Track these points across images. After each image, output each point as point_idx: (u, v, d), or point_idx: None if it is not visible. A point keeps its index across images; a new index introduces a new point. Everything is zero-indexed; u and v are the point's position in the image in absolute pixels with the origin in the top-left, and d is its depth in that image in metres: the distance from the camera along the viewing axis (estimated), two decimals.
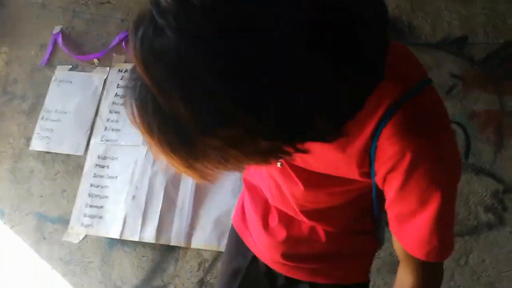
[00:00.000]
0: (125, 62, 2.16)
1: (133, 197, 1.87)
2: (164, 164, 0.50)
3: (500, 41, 1.81)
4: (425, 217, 0.61)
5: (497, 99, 1.74)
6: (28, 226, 1.99)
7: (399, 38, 1.90)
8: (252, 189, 0.98)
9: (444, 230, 0.63)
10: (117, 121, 2.04)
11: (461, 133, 1.72)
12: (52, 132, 2.11)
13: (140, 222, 1.83)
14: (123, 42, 2.18)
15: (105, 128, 2.03)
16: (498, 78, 1.76)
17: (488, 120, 1.72)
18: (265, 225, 0.93)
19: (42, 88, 2.23)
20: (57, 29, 2.32)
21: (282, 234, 0.89)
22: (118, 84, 2.12)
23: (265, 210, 0.94)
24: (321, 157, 0.66)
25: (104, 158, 1.99)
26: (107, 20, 2.29)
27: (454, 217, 0.65)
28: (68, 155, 2.05)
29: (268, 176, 0.85)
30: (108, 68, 2.18)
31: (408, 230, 0.65)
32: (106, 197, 1.92)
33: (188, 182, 1.84)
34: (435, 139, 0.57)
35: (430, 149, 0.57)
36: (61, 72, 2.23)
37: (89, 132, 2.07)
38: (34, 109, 2.19)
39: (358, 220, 0.85)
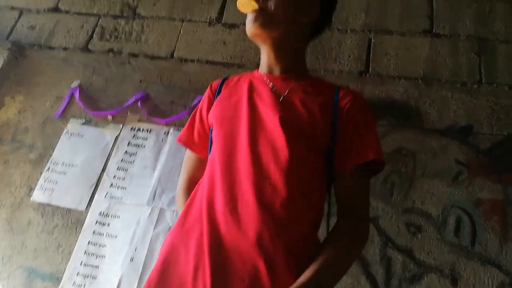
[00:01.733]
0: (138, 121, 2.21)
1: (131, 259, 1.82)
2: None
3: (503, 133, 1.88)
4: (370, 130, 1.05)
5: (501, 189, 1.77)
6: (17, 281, 1.90)
7: (407, 122, 1.97)
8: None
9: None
10: (123, 179, 2.03)
11: (468, 220, 1.73)
12: (56, 184, 2.09)
13: (135, 286, 1.75)
14: (139, 102, 2.25)
15: (111, 185, 2.03)
16: (502, 169, 1.80)
17: (493, 209, 1.73)
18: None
19: (52, 139, 2.24)
20: (75, 83, 2.40)
21: None
22: (129, 142, 2.14)
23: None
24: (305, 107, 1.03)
25: (106, 215, 1.96)
26: (126, 80, 2.38)
27: None
28: (69, 209, 2.02)
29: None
30: (121, 125, 2.22)
31: (364, 142, 1.01)
32: (103, 256, 1.86)
33: None
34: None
35: (361, 97, 1.12)
36: (73, 125, 2.27)
37: (93, 187, 2.06)
38: (41, 160, 2.19)
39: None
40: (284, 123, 0.97)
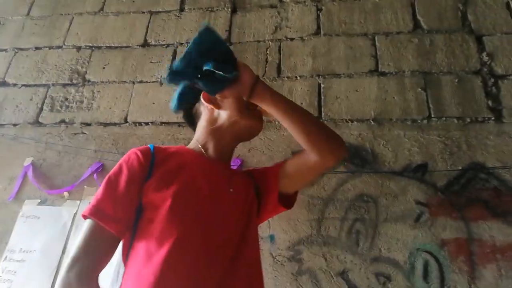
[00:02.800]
0: None
1: None
2: None
3: (458, 167, 1.90)
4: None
5: (464, 226, 1.78)
6: None
7: (365, 165, 1.98)
8: None
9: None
10: None
11: (434, 263, 1.72)
12: (15, 274, 1.99)
13: None
14: (95, 174, 2.19)
15: None
16: (462, 205, 1.82)
17: (458, 249, 1.73)
18: None
19: (7, 225, 2.15)
20: (28, 161, 2.32)
21: None
22: None
23: None
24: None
25: None
26: (80, 151, 2.32)
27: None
28: None
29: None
30: (79, 201, 2.15)
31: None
32: None
33: None
34: None
35: None
36: (28, 207, 2.18)
37: (55, 272, 1.97)
38: None
39: None
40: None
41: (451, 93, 2.09)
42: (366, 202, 1.88)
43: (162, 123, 2.33)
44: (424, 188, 1.88)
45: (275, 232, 1.90)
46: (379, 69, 2.21)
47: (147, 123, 2.35)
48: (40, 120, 2.48)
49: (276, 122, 2.17)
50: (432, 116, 2.05)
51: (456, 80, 2.12)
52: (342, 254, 1.79)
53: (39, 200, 2.20)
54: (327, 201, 1.92)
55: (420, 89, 2.12)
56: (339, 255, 1.79)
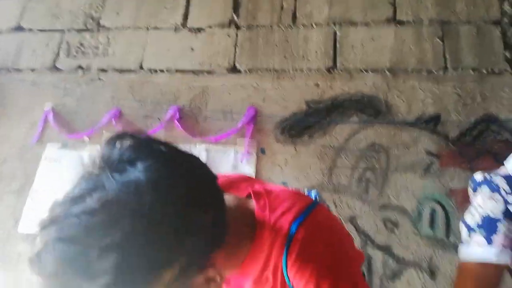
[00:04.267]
0: None
1: None
2: None
3: (471, 119, 1.92)
4: None
5: (472, 176, 1.81)
6: None
7: (378, 115, 2.00)
8: None
9: None
10: None
11: (441, 211, 1.79)
12: (41, 213, 2.11)
13: None
14: (113, 120, 2.25)
15: None
16: (471, 156, 1.85)
17: (465, 198, 1.77)
18: None
19: (32, 167, 2.26)
20: (47, 106, 2.38)
21: None
22: None
23: None
24: None
25: None
26: (97, 98, 2.37)
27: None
28: None
29: None
30: (99, 146, 2.23)
31: None
32: None
33: None
34: (332, 255, 0.69)
35: (332, 265, 0.68)
36: (51, 150, 2.27)
37: None
38: (23, 189, 2.21)
39: None
40: None
41: (468, 44, 2.06)
42: (377, 152, 1.92)
43: (177, 70, 2.35)
44: (436, 139, 1.91)
45: (288, 180, 1.97)
46: (397, 18, 2.17)
47: (162, 70, 2.37)
48: (57, 65, 2.51)
49: (291, 72, 2.17)
50: (448, 67, 2.03)
51: (475, 31, 2.07)
52: (351, 201, 1.86)
53: (61, 144, 2.28)
54: (338, 151, 1.96)
55: (437, 39, 2.09)
56: (349, 202, 1.87)
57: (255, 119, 2.11)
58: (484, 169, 1.79)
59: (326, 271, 0.68)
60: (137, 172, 0.53)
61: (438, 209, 1.79)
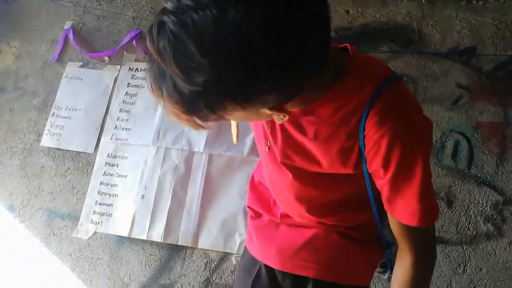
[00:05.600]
0: (135, 61, 2.19)
1: (142, 196, 1.92)
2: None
3: (508, 53, 1.82)
4: (412, 190, 0.71)
5: (502, 111, 1.76)
6: (38, 221, 2.04)
7: (409, 45, 1.92)
8: (258, 193, 1.07)
9: (428, 197, 0.73)
10: (127, 120, 2.07)
11: (465, 144, 1.75)
12: (63, 129, 2.14)
13: (148, 221, 1.87)
14: (134, 41, 2.20)
15: (115, 127, 2.07)
16: (504, 91, 1.78)
17: (492, 132, 1.74)
18: (277, 225, 1.01)
19: (53, 84, 2.26)
20: (68, 24, 2.34)
21: (293, 231, 0.97)
22: (128, 83, 2.14)
23: (273, 211, 1.03)
24: (314, 157, 0.79)
25: (114, 156, 2.03)
26: (118, 17, 2.31)
27: (432, 184, 0.75)
28: (78, 152, 2.09)
29: (269, 181, 0.96)
30: (119, 66, 2.20)
31: (399, 204, 0.75)
32: (116, 195, 1.96)
33: (196, 183, 1.89)
34: (411, 121, 0.69)
35: (408, 130, 0.68)
36: (71, 68, 2.26)
37: (99, 130, 2.10)
38: (44, 105, 2.22)
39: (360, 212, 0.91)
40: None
41: None
42: (406, 82, 1.86)
43: None
44: (468, 72, 1.83)
45: None
46: None
47: None
48: None
49: None
50: None
51: None
52: None
53: (81, 63, 2.26)
54: None
55: None
56: None
57: None
58: None
59: (404, 135, 0.68)
60: None
61: (463, 141, 1.75)
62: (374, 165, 0.73)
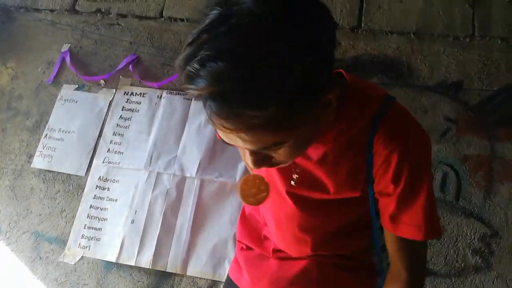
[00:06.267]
0: (131, 85, 2.21)
1: (132, 221, 1.91)
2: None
3: (493, 88, 1.89)
4: (420, 203, 0.74)
5: (488, 144, 1.81)
6: (25, 244, 2.01)
7: (399, 78, 1.97)
8: (249, 227, 1.07)
9: (433, 211, 0.76)
10: (120, 144, 2.07)
11: (453, 176, 1.78)
12: (55, 151, 2.14)
13: (137, 247, 1.86)
14: (130, 66, 2.23)
15: (108, 150, 2.07)
16: (490, 124, 1.83)
17: (479, 165, 1.78)
18: (268, 258, 1.01)
19: (47, 106, 2.26)
20: (65, 47, 2.37)
21: (285, 263, 0.97)
22: (123, 107, 2.16)
23: (264, 245, 1.03)
24: (321, 183, 0.80)
25: (105, 180, 2.02)
26: (116, 42, 2.35)
27: (435, 199, 0.78)
28: (69, 175, 2.08)
29: (271, 217, 0.95)
30: (114, 90, 2.23)
31: (404, 219, 0.76)
32: (105, 219, 1.95)
33: (187, 209, 1.88)
34: (418, 136, 0.73)
35: (416, 145, 0.72)
36: (67, 91, 2.28)
37: (91, 153, 2.10)
38: (37, 127, 2.23)
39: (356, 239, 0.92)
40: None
41: (499, 13, 2.00)
42: None
43: (197, 21, 2.31)
44: (456, 106, 1.88)
45: None
46: None
47: (182, 19, 2.33)
48: (77, 8, 2.48)
49: None
50: (476, 35, 1.98)
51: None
52: None
53: (77, 86, 2.28)
54: None
55: (467, 6, 2.03)
56: None
57: None
58: (502, 138, 1.79)
59: (413, 150, 0.72)
60: None
61: (451, 173, 1.78)
62: (382, 183, 0.75)
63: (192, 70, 0.52)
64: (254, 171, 0.91)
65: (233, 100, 0.53)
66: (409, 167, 0.71)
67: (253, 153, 0.65)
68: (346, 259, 0.95)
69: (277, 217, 0.94)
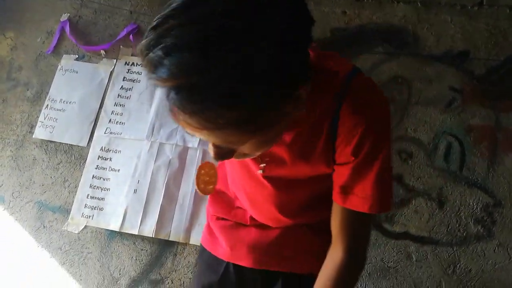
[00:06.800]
0: (132, 55, 2.18)
1: (135, 190, 1.91)
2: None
3: (500, 58, 1.85)
4: (371, 174, 0.73)
5: (493, 115, 1.79)
6: (29, 214, 2.02)
7: (404, 48, 1.94)
8: (220, 199, 1.07)
9: (384, 185, 0.74)
10: (121, 114, 2.06)
11: (458, 146, 1.77)
12: (56, 121, 2.13)
13: (140, 216, 1.87)
14: (131, 35, 2.20)
15: (109, 121, 2.06)
16: (496, 95, 1.81)
17: (483, 135, 1.77)
18: (245, 226, 1.02)
19: (47, 76, 2.24)
20: (64, 17, 2.33)
21: (263, 230, 0.99)
22: (124, 77, 2.14)
23: (238, 215, 1.03)
24: (293, 165, 0.80)
25: (107, 150, 2.02)
26: (116, 11, 2.30)
27: (391, 176, 0.77)
28: (71, 145, 2.08)
29: (243, 191, 0.96)
30: (115, 60, 2.20)
31: (355, 190, 0.75)
32: (108, 189, 1.95)
33: (190, 179, 1.88)
34: (384, 109, 0.72)
35: (381, 118, 0.71)
36: (67, 61, 2.25)
37: (93, 123, 2.09)
38: (38, 97, 2.21)
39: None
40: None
41: None
42: (400, 84, 1.88)
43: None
44: (461, 75, 1.86)
45: None
46: None
47: None
48: None
49: None
50: (484, 3, 1.94)
51: None
52: None
53: (77, 56, 2.25)
54: None
55: None
56: None
57: None
58: (507, 109, 1.77)
59: (377, 123, 0.71)
60: None
61: (455, 143, 1.77)
62: (343, 155, 0.74)
63: (155, 58, 0.48)
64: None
65: (200, 96, 0.49)
66: (371, 140, 0.70)
67: (216, 146, 0.62)
68: (323, 223, 0.93)
69: (252, 197, 0.94)
